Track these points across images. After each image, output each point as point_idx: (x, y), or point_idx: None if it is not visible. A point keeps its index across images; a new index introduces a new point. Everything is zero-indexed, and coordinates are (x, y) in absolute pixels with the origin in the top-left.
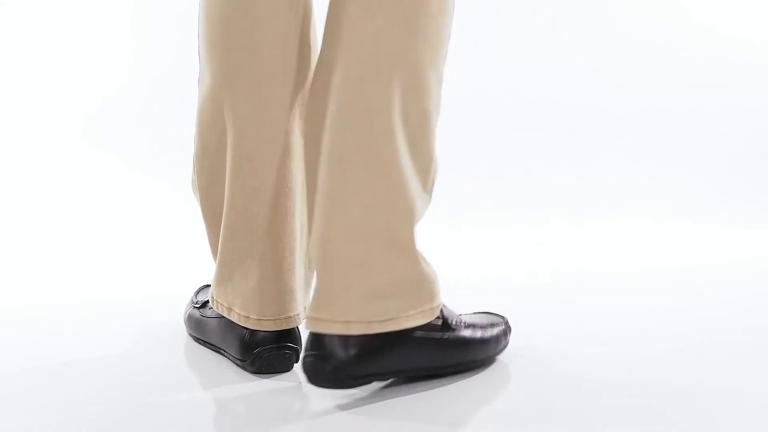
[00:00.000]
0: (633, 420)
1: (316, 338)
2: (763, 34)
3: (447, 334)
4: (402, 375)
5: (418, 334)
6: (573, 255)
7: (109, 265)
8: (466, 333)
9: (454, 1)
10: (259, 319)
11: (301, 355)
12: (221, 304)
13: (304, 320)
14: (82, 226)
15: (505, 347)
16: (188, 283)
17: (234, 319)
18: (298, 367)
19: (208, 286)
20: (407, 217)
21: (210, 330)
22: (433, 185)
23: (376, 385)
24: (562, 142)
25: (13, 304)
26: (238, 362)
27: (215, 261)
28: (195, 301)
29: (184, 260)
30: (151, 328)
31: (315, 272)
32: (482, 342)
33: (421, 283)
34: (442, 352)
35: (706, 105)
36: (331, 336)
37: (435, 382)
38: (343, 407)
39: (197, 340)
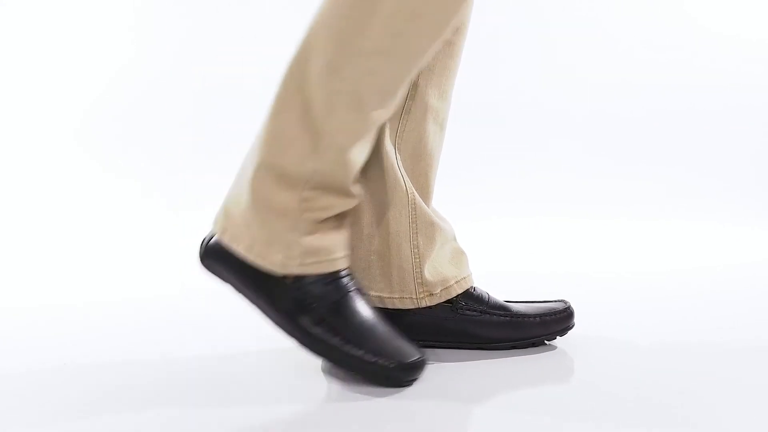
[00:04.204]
0: (639, 418)
1: None
2: (764, 33)
3: (281, 305)
4: (239, 294)
5: (249, 271)
6: (575, 255)
7: (109, 266)
8: (312, 327)
9: None
10: None
11: None
12: None
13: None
14: (82, 228)
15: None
16: (189, 284)
17: None
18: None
19: None
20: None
21: None
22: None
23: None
24: (563, 141)
25: (12, 305)
26: None
27: None
28: None
29: (184, 260)
30: (151, 328)
31: None
32: (314, 339)
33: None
34: (271, 309)
35: (709, 105)
36: None
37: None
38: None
39: None
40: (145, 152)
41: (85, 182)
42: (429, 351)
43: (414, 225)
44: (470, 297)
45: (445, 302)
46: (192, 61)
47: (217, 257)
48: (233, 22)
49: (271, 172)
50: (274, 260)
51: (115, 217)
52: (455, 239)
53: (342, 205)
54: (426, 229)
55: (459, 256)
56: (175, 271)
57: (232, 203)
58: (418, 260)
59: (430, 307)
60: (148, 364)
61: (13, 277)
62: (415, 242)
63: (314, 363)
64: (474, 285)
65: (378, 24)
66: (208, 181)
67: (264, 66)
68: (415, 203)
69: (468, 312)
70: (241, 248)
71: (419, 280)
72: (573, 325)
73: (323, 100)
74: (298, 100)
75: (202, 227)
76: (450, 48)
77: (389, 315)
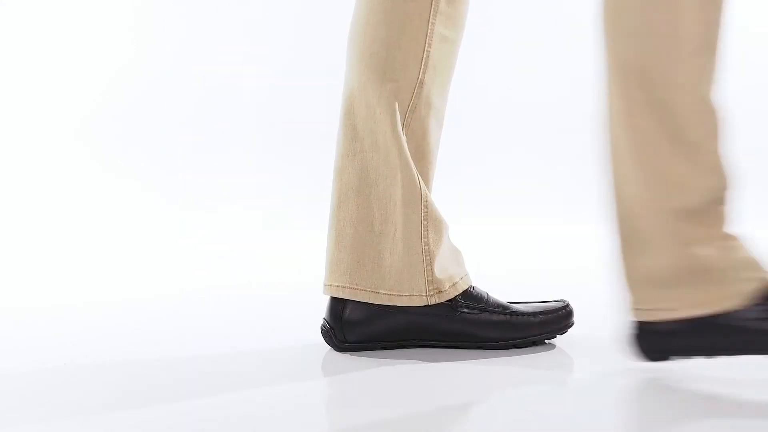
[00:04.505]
0: (639, 418)
1: None
2: (764, 33)
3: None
4: None
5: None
6: (575, 256)
7: (109, 266)
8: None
9: None
10: None
11: None
12: None
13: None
14: (82, 228)
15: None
16: (188, 284)
17: None
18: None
19: None
20: None
21: None
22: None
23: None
24: (564, 141)
25: (12, 305)
26: None
27: None
28: None
29: (184, 261)
30: (151, 328)
31: None
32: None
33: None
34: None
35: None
36: None
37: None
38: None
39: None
40: (145, 152)
41: (85, 182)
42: (428, 351)
43: (425, 222)
44: (469, 296)
45: (444, 301)
46: (192, 61)
47: (659, 341)
48: (233, 22)
49: (675, 215)
50: (727, 296)
51: (115, 217)
52: (450, 237)
53: (726, 209)
54: (435, 225)
55: (457, 254)
56: (175, 271)
57: (640, 280)
58: (428, 258)
59: (429, 306)
60: (148, 364)
61: (13, 277)
62: (425, 239)
63: (314, 363)
64: (472, 284)
65: (694, 21)
66: (208, 181)
67: (264, 66)
68: (427, 200)
69: (467, 311)
70: (695, 311)
71: (429, 278)
72: (573, 324)
73: (687, 115)
74: (662, 131)
75: (202, 227)
76: (453, 46)
77: (388, 313)
